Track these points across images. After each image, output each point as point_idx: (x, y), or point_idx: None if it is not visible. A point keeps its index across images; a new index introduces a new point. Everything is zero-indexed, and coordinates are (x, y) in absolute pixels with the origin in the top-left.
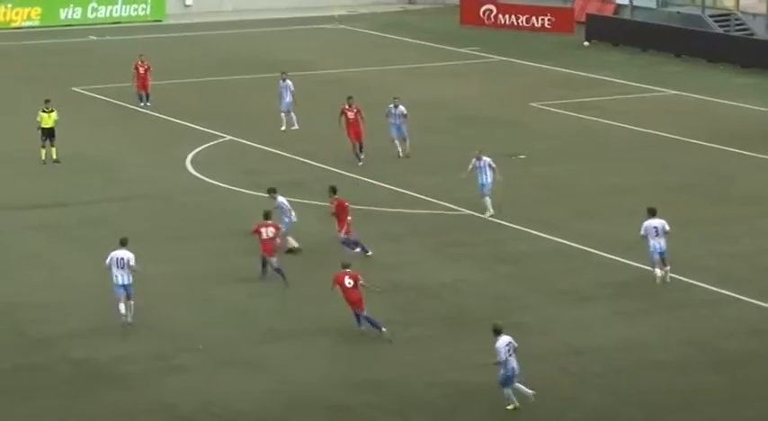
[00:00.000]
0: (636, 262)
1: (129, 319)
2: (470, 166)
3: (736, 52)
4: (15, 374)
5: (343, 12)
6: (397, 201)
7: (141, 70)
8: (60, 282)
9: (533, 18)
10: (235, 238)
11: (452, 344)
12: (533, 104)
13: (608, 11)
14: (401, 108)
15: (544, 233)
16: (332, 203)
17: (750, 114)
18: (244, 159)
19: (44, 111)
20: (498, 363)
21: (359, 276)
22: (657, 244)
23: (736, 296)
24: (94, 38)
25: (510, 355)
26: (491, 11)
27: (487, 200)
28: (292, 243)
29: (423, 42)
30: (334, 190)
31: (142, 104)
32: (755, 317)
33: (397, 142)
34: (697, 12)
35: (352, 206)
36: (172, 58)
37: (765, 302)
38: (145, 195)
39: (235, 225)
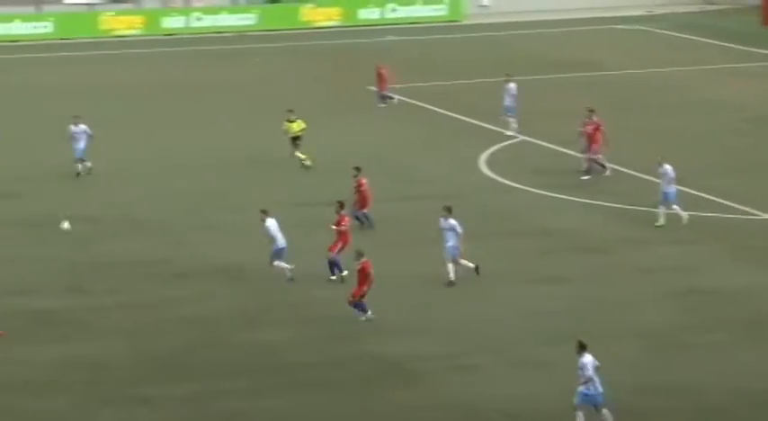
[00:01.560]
0: None
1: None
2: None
3: None
4: (320, 367)
5: (639, 12)
6: (692, 204)
7: (383, 72)
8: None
9: None
10: (527, 238)
11: (753, 351)
12: None
13: None
14: (512, 85)
15: None
16: (337, 220)
17: None
18: (536, 159)
19: (288, 121)
20: (586, 382)
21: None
22: None
23: None
24: (392, 38)
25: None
26: None
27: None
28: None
29: (721, 43)
30: (341, 206)
31: (385, 104)
32: None
33: (505, 118)
34: None
35: (645, 209)
36: (467, 58)
37: None
38: (438, 195)
39: (527, 225)
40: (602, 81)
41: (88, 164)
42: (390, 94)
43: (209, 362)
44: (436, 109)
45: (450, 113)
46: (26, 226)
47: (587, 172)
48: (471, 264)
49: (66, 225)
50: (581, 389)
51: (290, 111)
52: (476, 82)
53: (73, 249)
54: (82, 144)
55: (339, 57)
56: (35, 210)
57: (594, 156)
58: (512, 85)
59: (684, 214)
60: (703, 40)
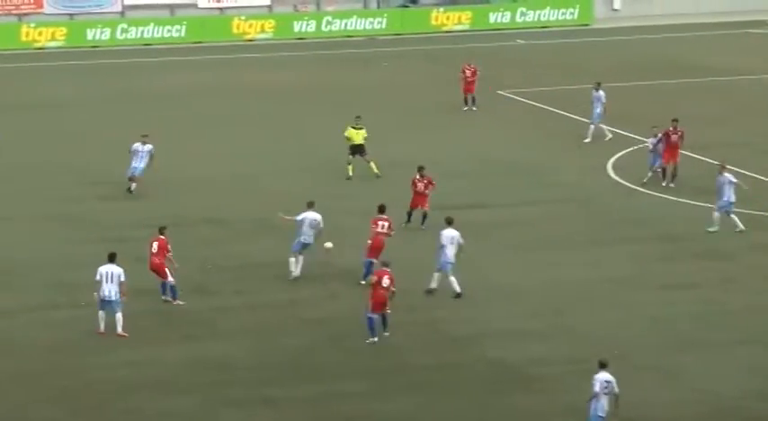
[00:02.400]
0: None
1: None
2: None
3: None
4: (435, 371)
5: None
6: None
7: (468, 74)
8: (478, 282)
9: None
10: (654, 243)
11: None
12: None
13: None
14: (601, 93)
15: None
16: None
17: None
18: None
19: (353, 128)
20: (592, 397)
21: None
22: None
23: None
24: (522, 42)
25: (605, 394)
26: None
27: (732, 217)
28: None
29: None
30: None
31: (466, 108)
32: None
33: (592, 127)
34: None
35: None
36: (597, 62)
37: None
38: (565, 199)
39: (655, 230)
40: (736, 86)
41: (134, 185)
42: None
43: (331, 364)
44: (564, 113)
45: (578, 118)
46: (155, 228)
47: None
48: (457, 289)
49: (328, 245)
50: (590, 405)
51: (358, 117)
52: (606, 87)
53: (202, 250)
54: (142, 164)
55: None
56: (165, 213)
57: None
58: (601, 93)
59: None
60: None
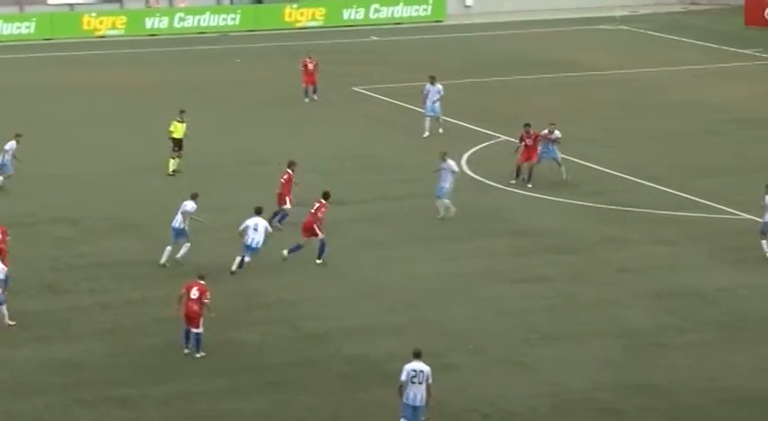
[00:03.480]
0: None
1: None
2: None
3: None
4: (289, 368)
5: (624, 12)
6: (674, 205)
7: (310, 66)
8: (334, 278)
9: None
10: (507, 238)
11: (730, 351)
12: None
13: None
14: (438, 86)
15: None
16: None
17: None
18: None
19: (178, 121)
20: (399, 386)
21: (207, 293)
22: None
23: None
24: (376, 38)
25: (414, 383)
26: None
27: (443, 202)
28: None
29: (705, 43)
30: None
31: (307, 99)
32: None
33: (427, 120)
34: None
35: (626, 208)
36: (450, 58)
37: None
38: (419, 194)
39: (507, 225)
40: (586, 81)
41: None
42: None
43: (186, 363)
44: (418, 109)
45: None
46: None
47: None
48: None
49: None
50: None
51: (182, 111)
52: (456, 83)
53: (53, 250)
54: (7, 160)
55: (322, 57)
56: (16, 211)
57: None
58: (438, 87)
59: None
60: (686, 40)
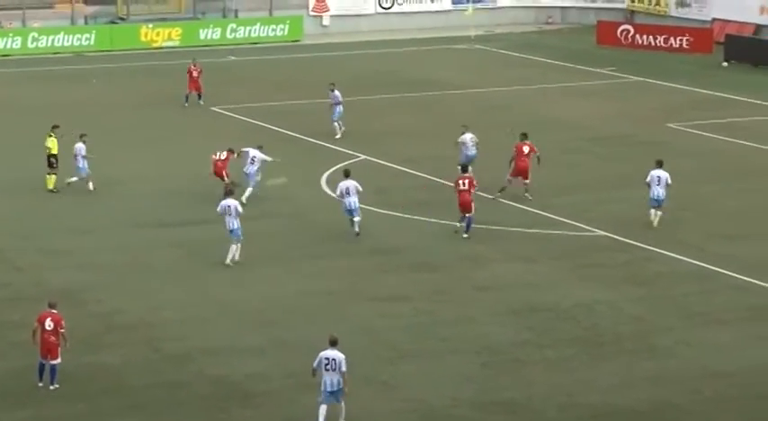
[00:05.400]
0: None
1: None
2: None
3: None
4: (150, 391)
5: (479, 32)
6: (533, 222)
7: (195, 74)
8: (196, 298)
9: (671, 38)
10: (368, 256)
11: (588, 367)
12: (670, 125)
13: (748, 31)
14: (337, 93)
15: (680, 255)
16: None
17: None
18: (377, 178)
19: (50, 136)
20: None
21: (62, 322)
22: (657, 192)
23: None
24: (233, 58)
25: (327, 370)
26: (628, 31)
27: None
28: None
29: (559, 62)
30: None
31: (187, 104)
32: None
33: (336, 124)
34: None
35: (485, 227)
36: (308, 77)
37: None
38: (281, 213)
39: (369, 243)
40: (443, 100)
41: None
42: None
43: (44, 388)
44: (276, 128)
45: (290, 133)
46: None
47: None
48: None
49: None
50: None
51: (56, 126)
52: (315, 102)
53: None
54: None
55: (181, 77)
56: None
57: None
58: (337, 93)
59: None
60: (541, 59)
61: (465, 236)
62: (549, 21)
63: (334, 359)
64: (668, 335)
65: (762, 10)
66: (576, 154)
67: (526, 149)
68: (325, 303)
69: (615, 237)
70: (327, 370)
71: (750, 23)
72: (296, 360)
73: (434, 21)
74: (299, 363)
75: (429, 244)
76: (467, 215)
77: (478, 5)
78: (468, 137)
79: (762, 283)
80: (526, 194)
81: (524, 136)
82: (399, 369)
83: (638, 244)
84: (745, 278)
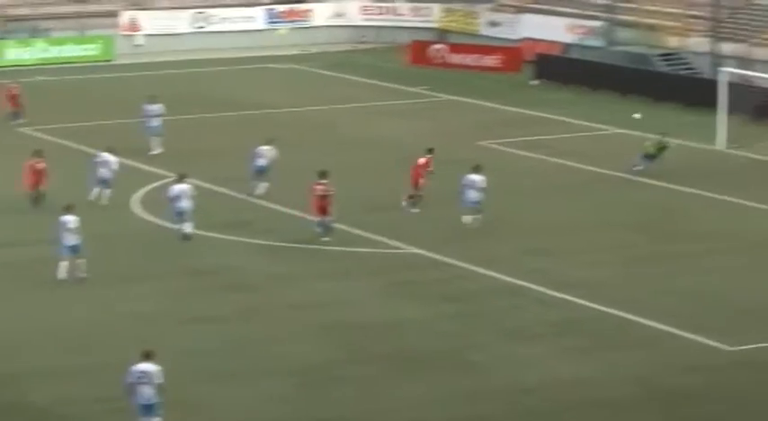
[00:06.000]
0: (582, 299)
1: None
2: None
3: (682, 91)
4: None
5: (294, 51)
6: (346, 240)
7: (14, 92)
8: (9, 321)
9: (482, 57)
10: (181, 278)
11: (399, 383)
12: (482, 143)
13: (556, 50)
14: (155, 107)
15: (491, 271)
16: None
17: (696, 152)
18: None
19: None
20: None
21: None
22: (472, 196)
23: (680, 333)
24: (42, 78)
25: (141, 383)
26: (441, 50)
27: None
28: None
29: (373, 81)
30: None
31: (14, 122)
32: (701, 354)
33: (154, 140)
34: (644, 51)
35: (298, 245)
36: (121, 97)
37: (710, 339)
38: (93, 236)
39: (182, 264)
40: (260, 119)
41: None
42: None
43: None
44: (85, 148)
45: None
46: None
47: None
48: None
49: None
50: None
51: None
52: (126, 122)
53: None
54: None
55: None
56: None
57: None
58: (155, 107)
59: None
60: (355, 78)
61: (326, 239)
62: (363, 40)
63: (147, 372)
64: (481, 350)
65: (569, 29)
66: (389, 172)
67: (422, 161)
68: (136, 326)
69: (427, 254)
70: (142, 383)
71: (559, 42)
72: (105, 384)
73: (249, 40)
74: (108, 388)
75: (244, 263)
76: (324, 218)
77: (293, 25)
78: (264, 149)
79: (568, 298)
80: (404, 203)
81: (429, 151)
82: (212, 391)
83: (451, 260)
84: (553, 293)
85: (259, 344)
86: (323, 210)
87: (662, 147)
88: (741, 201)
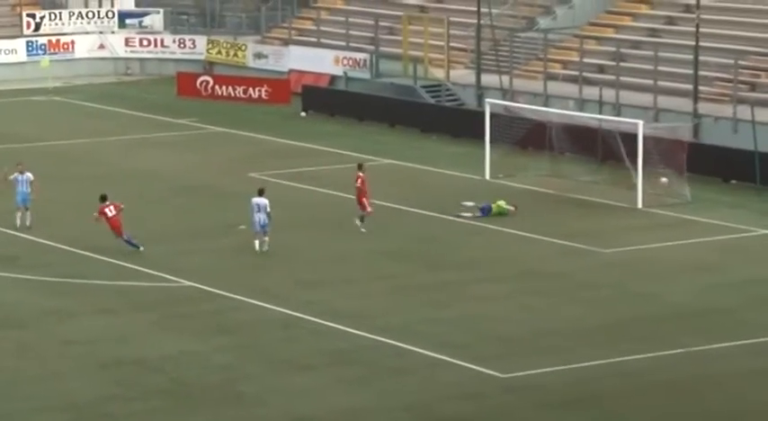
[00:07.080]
0: (354, 329)
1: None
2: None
3: (448, 122)
4: None
5: (57, 84)
6: (118, 274)
7: None
8: None
9: (250, 89)
10: None
11: (176, 418)
12: (252, 174)
13: (323, 82)
14: (28, 175)
15: (265, 302)
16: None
17: (461, 182)
18: None
19: None
20: None
21: None
22: (259, 218)
23: (453, 361)
24: None
25: None
26: (208, 82)
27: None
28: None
29: (140, 113)
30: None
31: None
32: (472, 381)
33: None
34: (410, 83)
35: (69, 280)
36: None
37: (480, 366)
38: None
39: None
40: (22, 152)
41: None
42: None
43: None
44: None
45: None
46: None
47: None
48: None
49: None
50: None
51: None
52: None
53: None
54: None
55: None
56: None
57: None
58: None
59: None
60: (121, 110)
61: (141, 248)
62: (129, 72)
63: None
64: (255, 382)
65: (336, 61)
66: (158, 204)
67: (359, 180)
68: None
69: (201, 286)
70: None
71: (325, 74)
72: None
73: (9, 72)
74: None
75: (14, 300)
76: (121, 238)
77: (55, 57)
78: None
79: (341, 327)
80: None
81: (359, 167)
82: None
83: (224, 293)
84: (326, 323)
85: (32, 381)
86: (116, 230)
87: (501, 212)
88: (504, 229)
